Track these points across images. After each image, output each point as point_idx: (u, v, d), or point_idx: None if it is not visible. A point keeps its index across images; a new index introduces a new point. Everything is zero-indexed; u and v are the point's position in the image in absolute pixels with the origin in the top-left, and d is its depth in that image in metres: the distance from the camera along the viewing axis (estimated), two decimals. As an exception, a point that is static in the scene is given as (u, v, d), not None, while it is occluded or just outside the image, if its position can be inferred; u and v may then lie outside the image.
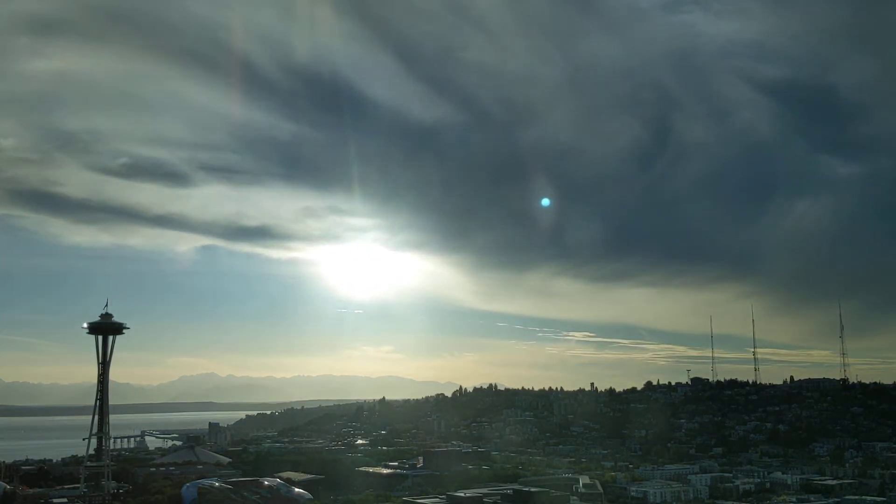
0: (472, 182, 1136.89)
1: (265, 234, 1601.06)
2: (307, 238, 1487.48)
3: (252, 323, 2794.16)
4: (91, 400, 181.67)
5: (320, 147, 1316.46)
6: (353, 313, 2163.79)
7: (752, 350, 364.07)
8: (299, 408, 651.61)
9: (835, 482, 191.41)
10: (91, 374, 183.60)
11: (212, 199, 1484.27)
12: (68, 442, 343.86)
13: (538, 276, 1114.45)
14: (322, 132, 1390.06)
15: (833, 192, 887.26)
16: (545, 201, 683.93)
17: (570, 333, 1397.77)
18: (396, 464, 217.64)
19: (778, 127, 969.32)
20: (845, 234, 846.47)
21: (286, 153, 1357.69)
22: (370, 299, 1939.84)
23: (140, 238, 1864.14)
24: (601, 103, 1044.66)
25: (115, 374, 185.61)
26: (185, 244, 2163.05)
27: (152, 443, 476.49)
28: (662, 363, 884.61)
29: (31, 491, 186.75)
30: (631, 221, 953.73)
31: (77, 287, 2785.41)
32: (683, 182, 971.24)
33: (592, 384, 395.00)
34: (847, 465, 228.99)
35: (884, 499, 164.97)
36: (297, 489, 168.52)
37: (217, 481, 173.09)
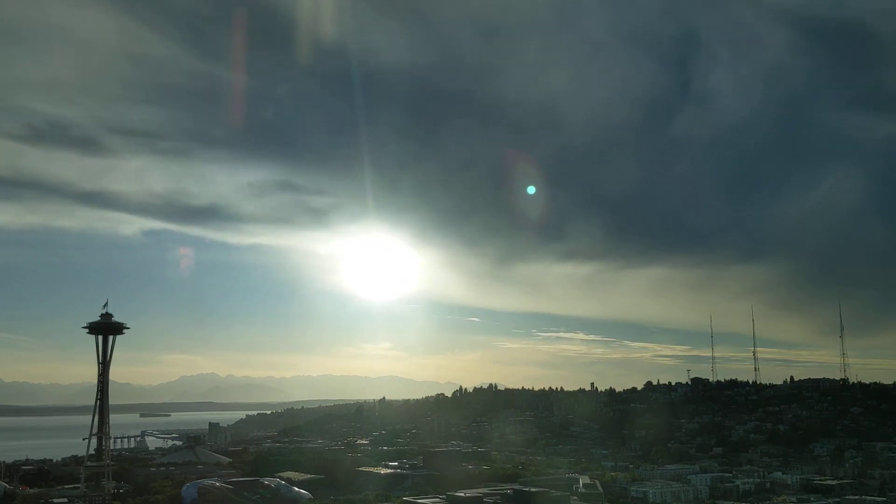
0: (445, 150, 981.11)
1: (214, 216, 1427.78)
2: (263, 220, 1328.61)
3: (233, 319, 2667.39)
4: (91, 400, 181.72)
5: (262, 100, 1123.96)
6: (342, 309, 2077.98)
7: (753, 350, 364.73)
8: (299, 408, 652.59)
9: (835, 482, 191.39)
10: (89, 373, 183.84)
11: (141, 172, 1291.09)
12: (68, 442, 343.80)
13: (534, 269, 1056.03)
14: (262, 80, 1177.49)
15: (862, 160, 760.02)
16: (531, 189, 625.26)
17: (572, 333, 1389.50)
18: (396, 464, 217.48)
19: (801, 75, 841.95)
20: (860, 219, 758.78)
21: (217, 107, 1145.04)
22: (353, 293, 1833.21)
23: (72, 220, 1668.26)
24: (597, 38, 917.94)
25: (114, 374, 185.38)
26: (127, 227, 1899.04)
27: (152, 443, 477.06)
28: (662, 362, 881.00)
29: (31, 491, 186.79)
30: (631, 204, 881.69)
31: (21, 276, 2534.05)
32: (687, 152, 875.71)
33: (592, 384, 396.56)
34: (847, 465, 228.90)
35: (884, 499, 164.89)
36: (297, 489, 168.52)
37: (217, 481, 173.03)
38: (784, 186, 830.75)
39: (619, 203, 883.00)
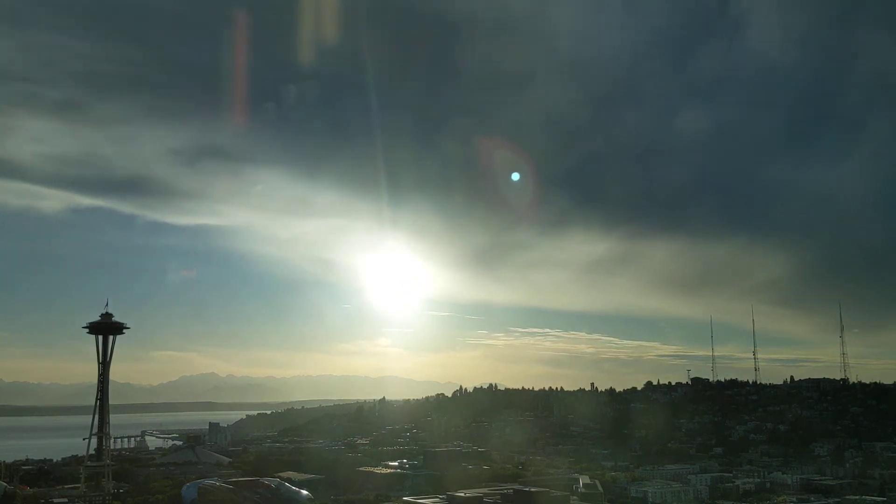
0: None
1: (142, 190, 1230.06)
2: (199, 195, 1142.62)
3: (206, 312, 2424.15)
4: (91, 399, 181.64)
5: (169, 32, 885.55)
6: (324, 304, 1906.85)
7: (753, 350, 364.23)
8: (299, 408, 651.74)
9: (835, 482, 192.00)
10: (89, 373, 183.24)
11: (39, 132, 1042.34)
12: (68, 442, 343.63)
13: (534, 263, 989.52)
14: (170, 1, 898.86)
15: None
16: (515, 176, 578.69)
17: (574, 332, 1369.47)
18: (397, 464, 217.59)
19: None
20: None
21: (111, 39, 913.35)
22: (326, 284, 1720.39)
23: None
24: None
25: (114, 373, 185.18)
26: (49, 203, 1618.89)
27: (153, 443, 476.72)
28: (663, 361, 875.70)
29: (30, 491, 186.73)
30: (630, 189, 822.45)
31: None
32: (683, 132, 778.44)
33: (592, 384, 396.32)
34: (847, 464, 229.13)
35: (884, 499, 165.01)
36: (297, 489, 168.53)
37: (217, 481, 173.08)
38: (795, 169, 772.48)
39: (618, 192, 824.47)
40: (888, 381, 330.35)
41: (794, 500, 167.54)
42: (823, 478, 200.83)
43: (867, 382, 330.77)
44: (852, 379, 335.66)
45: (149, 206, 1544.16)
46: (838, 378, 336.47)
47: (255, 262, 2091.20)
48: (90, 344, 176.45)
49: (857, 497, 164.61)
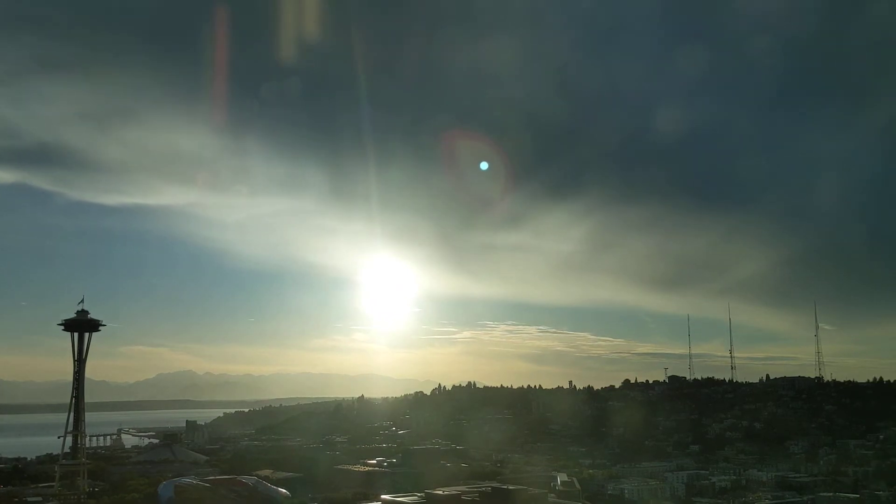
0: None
1: (59, 163, 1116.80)
2: (123, 170, 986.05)
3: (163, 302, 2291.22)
4: (66, 397, 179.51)
5: None
6: (306, 299, 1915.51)
7: (730, 348, 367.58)
8: (277, 405, 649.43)
9: (809, 479, 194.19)
10: (66, 370, 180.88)
11: None
12: (43, 440, 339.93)
13: (510, 256, 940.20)
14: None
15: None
16: (483, 165, 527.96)
17: (555, 328, 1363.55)
18: (375, 462, 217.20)
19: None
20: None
21: None
22: (300, 276, 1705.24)
23: None
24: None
25: (89, 370, 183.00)
26: None
27: (129, 441, 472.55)
28: (641, 360, 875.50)
29: (4, 489, 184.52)
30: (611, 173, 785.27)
31: None
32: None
33: (570, 382, 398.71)
34: (821, 462, 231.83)
35: (857, 495, 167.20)
36: (274, 487, 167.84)
37: (194, 479, 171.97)
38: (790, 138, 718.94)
39: (594, 183, 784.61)
40: (862, 379, 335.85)
41: (769, 497, 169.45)
42: (798, 475, 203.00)
43: (841, 381, 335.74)
44: (827, 377, 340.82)
45: (74, 183, 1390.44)
46: (813, 376, 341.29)
47: (206, 249, 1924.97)
48: (63, 340, 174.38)
49: (830, 494, 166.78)
